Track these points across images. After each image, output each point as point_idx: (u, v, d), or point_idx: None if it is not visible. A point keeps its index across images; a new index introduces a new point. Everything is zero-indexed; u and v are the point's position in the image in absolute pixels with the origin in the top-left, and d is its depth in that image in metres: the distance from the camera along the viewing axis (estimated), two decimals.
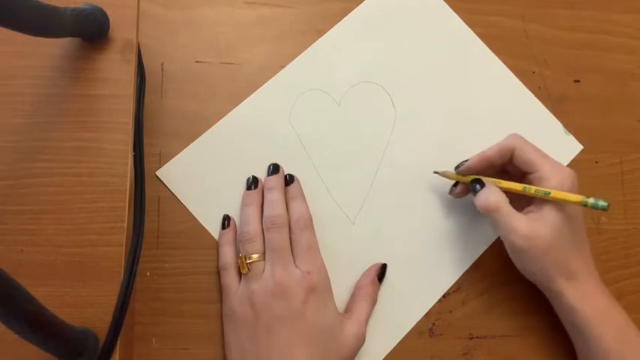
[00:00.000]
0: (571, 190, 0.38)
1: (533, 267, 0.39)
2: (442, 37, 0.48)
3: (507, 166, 0.41)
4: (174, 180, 0.42)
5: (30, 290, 0.24)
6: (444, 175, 0.43)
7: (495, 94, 0.47)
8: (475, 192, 0.40)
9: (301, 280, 0.37)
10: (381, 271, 0.42)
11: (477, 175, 0.41)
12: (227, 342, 0.38)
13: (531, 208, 0.39)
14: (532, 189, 0.38)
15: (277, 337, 0.36)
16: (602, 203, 0.35)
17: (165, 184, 0.41)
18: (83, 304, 0.31)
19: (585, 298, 0.38)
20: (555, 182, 0.38)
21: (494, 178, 0.40)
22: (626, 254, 0.46)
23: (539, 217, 0.38)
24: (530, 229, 0.37)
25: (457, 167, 0.41)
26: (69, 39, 0.34)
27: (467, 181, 0.41)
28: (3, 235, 0.31)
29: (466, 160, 0.41)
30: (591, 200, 0.36)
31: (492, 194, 0.38)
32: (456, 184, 0.42)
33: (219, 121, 0.43)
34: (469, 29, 0.48)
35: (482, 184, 0.40)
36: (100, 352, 0.29)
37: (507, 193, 0.39)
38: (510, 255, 0.39)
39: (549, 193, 0.37)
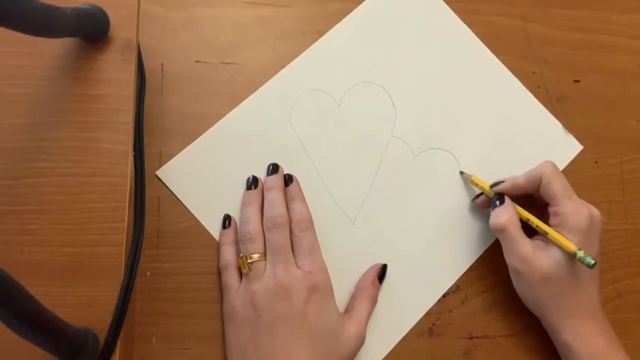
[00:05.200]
0: (586, 232, 0.38)
1: (529, 294, 0.39)
2: (442, 38, 0.48)
3: (536, 193, 0.41)
4: (174, 180, 0.42)
5: (30, 290, 0.24)
6: (467, 179, 0.44)
7: (495, 94, 0.47)
8: (494, 207, 0.40)
9: (303, 280, 0.37)
10: (382, 272, 0.42)
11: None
12: (227, 342, 0.38)
13: (541, 237, 0.39)
14: (535, 223, 0.39)
15: (278, 337, 0.36)
16: (588, 260, 0.36)
17: (165, 184, 0.41)
18: (83, 304, 0.31)
19: (581, 338, 0.38)
20: (571, 223, 0.38)
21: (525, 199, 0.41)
22: (626, 254, 0.46)
23: (544, 246, 0.38)
24: (530, 254, 0.38)
25: (492, 187, 0.42)
26: (69, 39, 0.34)
27: (490, 195, 0.42)
28: (3, 235, 0.31)
29: (501, 181, 0.41)
30: (580, 253, 0.36)
31: (504, 214, 0.39)
32: (479, 195, 0.43)
33: (219, 121, 0.43)
34: (469, 29, 0.48)
35: (502, 202, 0.40)
36: (100, 352, 0.29)
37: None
38: (512, 278, 0.40)
39: (547, 234, 0.38)
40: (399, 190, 0.44)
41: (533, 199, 0.42)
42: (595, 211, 0.39)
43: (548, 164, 0.40)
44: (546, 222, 0.39)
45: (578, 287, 0.38)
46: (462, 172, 0.44)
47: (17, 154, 0.32)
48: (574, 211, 0.38)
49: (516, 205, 0.40)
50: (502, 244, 0.40)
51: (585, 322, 0.38)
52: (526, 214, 0.40)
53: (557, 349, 0.40)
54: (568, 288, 0.38)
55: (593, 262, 0.35)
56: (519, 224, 0.39)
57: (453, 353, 0.42)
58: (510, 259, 0.39)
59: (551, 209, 0.39)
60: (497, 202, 0.40)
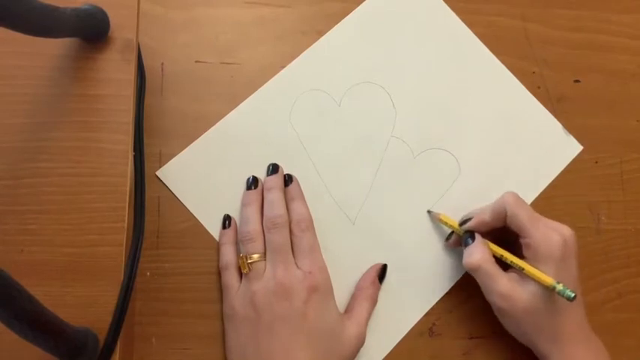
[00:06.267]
0: (561, 258, 0.37)
1: (516, 328, 0.39)
2: (442, 38, 0.48)
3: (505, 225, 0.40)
4: (174, 180, 0.42)
5: (30, 290, 0.24)
6: (435, 218, 0.43)
7: (495, 94, 0.47)
8: (466, 245, 0.40)
9: (303, 280, 0.37)
10: (382, 272, 0.42)
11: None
12: (227, 342, 0.38)
13: (517, 269, 0.38)
14: (509, 259, 0.38)
15: (278, 337, 0.36)
16: (568, 293, 0.35)
17: (165, 184, 0.41)
18: (83, 304, 0.31)
19: None
20: (543, 253, 0.37)
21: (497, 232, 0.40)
22: (626, 254, 0.46)
23: (521, 280, 0.38)
24: (508, 290, 0.37)
25: (460, 224, 0.41)
26: (69, 39, 0.34)
27: (460, 233, 0.41)
28: (3, 235, 0.31)
29: (469, 219, 0.40)
30: (559, 287, 0.35)
31: (475, 253, 0.38)
32: (451, 234, 0.42)
33: (220, 121, 0.43)
34: (468, 29, 0.48)
35: (473, 239, 0.39)
36: (100, 352, 0.29)
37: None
38: (495, 314, 0.39)
39: (523, 269, 0.37)
40: (399, 190, 0.44)
41: (506, 231, 0.40)
42: (567, 232, 0.38)
43: (510, 195, 0.39)
44: (521, 253, 0.38)
45: (563, 313, 0.37)
46: (429, 211, 0.43)
47: (17, 154, 0.32)
48: (544, 240, 0.37)
49: (489, 242, 0.39)
50: (479, 283, 0.39)
51: (575, 345, 0.38)
52: (499, 251, 0.39)
53: None
54: (552, 316, 0.37)
55: (572, 294, 0.35)
56: (493, 260, 0.38)
57: (453, 353, 0.42)
58: (490, 297, 0.38)
59: (522, 241, 0.38)
60: (469, 240, 0.40)
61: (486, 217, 0.40)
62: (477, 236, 0.40)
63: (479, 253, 0.38)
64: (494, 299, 0.38)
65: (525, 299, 0.37)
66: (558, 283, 0.35)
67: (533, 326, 0.38)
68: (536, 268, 0.37)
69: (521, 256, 0.38)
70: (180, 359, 0.39)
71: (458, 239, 0.42)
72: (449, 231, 0.43)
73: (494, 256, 0.39)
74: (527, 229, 0.38)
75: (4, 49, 0.34)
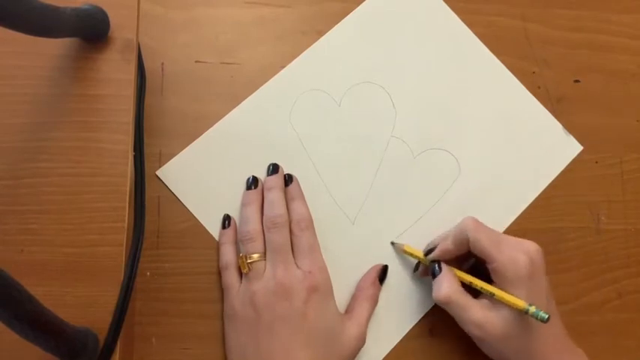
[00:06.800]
0: (530, 278, 0.36)
1: (495, 354, 0.38)
2: (442, 38, 0.48)
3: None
4: (174, 180, 0.42)
5: (30, 290, 0.24)
6: (399, 249, 0.42)
7: (495, 94, 0.47)
8: (434, 276, 0.39)
9: (303, 280, 0.37)
10: (382, 273, 0.42)
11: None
12: (228, 342, 0.38)
13: (488, 295, 0.37)
14: (478, 285, 0.38)
15: (278, 337, 0.36)
16: (542, 315, 0.34)
17: (165, 184, 0.41)
18: (83, 304, 0.31)
19: None
20: (510, 276, 0.36)
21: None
22: (626, 254, 0.46)
23: (493, 306, 0.37)
24: (481, 319, 0.36)
25: (426, 254, 0.40)
26: (69, 39, 0.34)
27: (426, 263, 0.40)
28: (3, 235, 0.31)
29: (433, 248, 0.40)
30: (532, 309, 0.34)
31: (443, 285, 0.38)
32: (418, 264, 0.42)
33: (220, 121, 0.43)
34: (468, 30, 0.48)
35: (440, 268, 0.39)
36: (100, 352, 0.29)
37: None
38: (475, 343, 0.39)
39: (494, 295, 0.36)
40: (399, 190, 0.44)
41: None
42: (532, 248, 0.37)
43: (469, 220, 0.38)
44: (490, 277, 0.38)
45: (540, 332, 0.36)
46: (393, 243, 0.43)
47: (17, 154, 0.32)
48: (509, 262, 0.36)
49: (456, 270, 0.39)
50: (452, 315, 0.38)
51: (559, 357, 0.37)
52: (468, 278, 0.38)
53: None
54: (530, 337, 0.36)
55: (546, 316, 0.34)
56: (462, 289, 0.38)
57: (453, 353, 0.42)
58: (465, 327, 0.38)
59: (488, 266, 0.37)
60: (436, 270, 0.39)
61: (449, 245, 0.39)
62: (444, 266, 0.39)
63: (446, 284, 0.38)
64: (469, 329, 0.37)
65: (500, 325, 0.36)
66: (530, 305, 0.35)
67: (514, 350, 0.37)
68: (507, 291, 0.36)
69: (492, 280, 0.38)
70: (180, 359, 0.39)
71: (426, 269, 0.41)
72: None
73: (464, 284, 0.38)
74: (491, 253, 0.37)
75: (4, 49, 0.34)
